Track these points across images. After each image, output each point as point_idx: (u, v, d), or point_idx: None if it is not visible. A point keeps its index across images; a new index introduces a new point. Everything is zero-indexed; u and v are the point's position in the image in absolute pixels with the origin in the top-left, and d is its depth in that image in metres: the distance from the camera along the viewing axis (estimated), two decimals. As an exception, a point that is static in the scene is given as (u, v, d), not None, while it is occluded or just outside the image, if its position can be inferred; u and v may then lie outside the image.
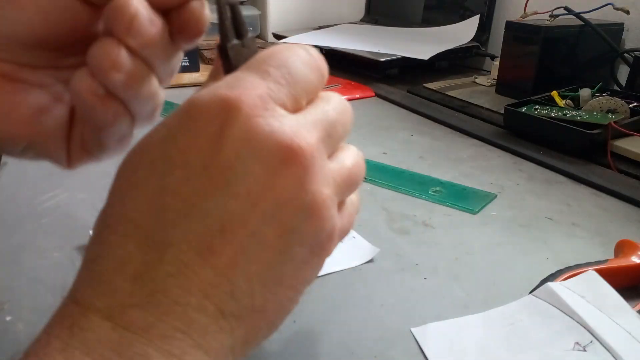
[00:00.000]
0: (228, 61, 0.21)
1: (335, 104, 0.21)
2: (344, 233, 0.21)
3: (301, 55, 0.20)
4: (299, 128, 0.18)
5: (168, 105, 0.68)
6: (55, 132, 0.23)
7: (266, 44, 0.99)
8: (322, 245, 0.19)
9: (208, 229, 0.16)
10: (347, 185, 0.20)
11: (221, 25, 0.21)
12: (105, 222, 0.18)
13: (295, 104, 0.19)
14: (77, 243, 0.36)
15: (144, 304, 0.16)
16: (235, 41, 0.21)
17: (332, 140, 0.20)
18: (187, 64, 0.77)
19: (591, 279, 0.31)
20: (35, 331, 0.28)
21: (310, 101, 0.20)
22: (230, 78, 0.18)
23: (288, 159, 0.17)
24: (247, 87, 0.17)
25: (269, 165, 0.17)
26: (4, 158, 0.35)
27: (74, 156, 0.24)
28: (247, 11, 1.07)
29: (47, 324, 0.17)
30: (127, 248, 0.16)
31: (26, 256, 0.35)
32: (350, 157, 0.21)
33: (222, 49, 0.21)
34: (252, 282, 0.17)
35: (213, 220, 0.16)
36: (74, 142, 0.23)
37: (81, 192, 0.44)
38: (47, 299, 0.31)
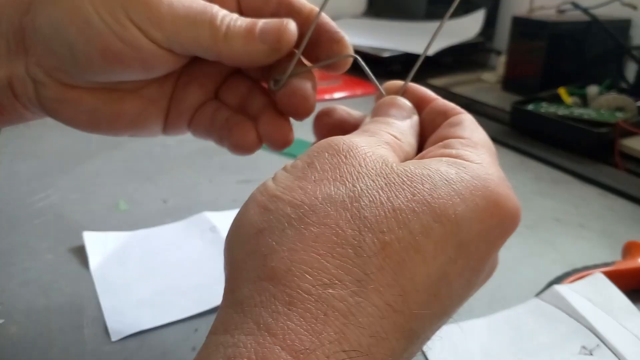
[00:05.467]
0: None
1: None
2: None
3: None
4: None
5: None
6: (152, 126, 0.25)
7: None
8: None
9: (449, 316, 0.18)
10: None
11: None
12: (372, 284, 0.15)
13: None
14: (70, 245, 0.36)
15: None
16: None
17: None
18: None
19: (598, 282, 0.31)
20: (28, 334, 0.28)
21: None
22: (498, 178, 0.19)
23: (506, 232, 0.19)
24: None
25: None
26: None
27: (171, 132, 0.26)
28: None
29: None
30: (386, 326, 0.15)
31: (19, 258, 0.34)
32: None
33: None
34: (433, 329, 0.18)
35: (460, 305, 0.18)
36: (172, 127, 0.26)
37: (74, 192, 0.43)
38: (40, 301, 0.31)
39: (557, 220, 0.41)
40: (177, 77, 0.25)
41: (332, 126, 0.25)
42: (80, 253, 0.35)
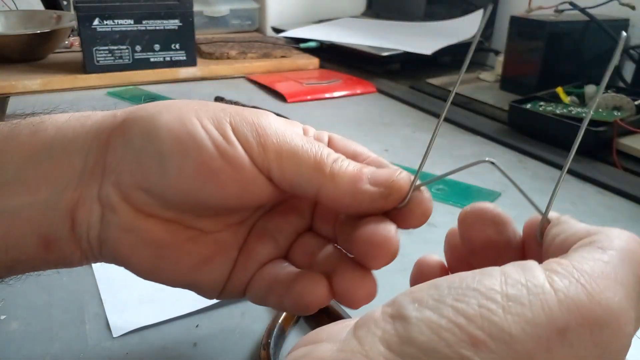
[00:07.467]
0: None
1: None
2: None
3: None
4: None
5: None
6: (214, 281, 0.23)
7: (265, 38, 0.98)
8: None
9: None
10: None
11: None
12: None
13: None
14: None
15: None
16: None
17: None
18: (184, 58, 0.76)
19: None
20: (30, 330, 0.28)
21: None
22: None
23: None
24: None
25: None
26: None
27: (227, 294, 0.24)
28: (245, 4, 1.06)
29: None
30: None
31: (21, 253, 0.34)
32: None
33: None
34: None
35: None
36: (232, 286, 0.23)
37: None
38: (41, 297, 0.31)
39: (555, 219, 0.41)
40: (250, 228, 0.24)
41: (491, 242, 0.19)
42: (81, 250, 0.35)
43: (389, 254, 0.20)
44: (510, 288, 0.13)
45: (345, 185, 0.20)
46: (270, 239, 0.23)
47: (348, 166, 0.20)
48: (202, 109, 0.20)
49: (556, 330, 0.12)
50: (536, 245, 0.18)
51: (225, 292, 0.23)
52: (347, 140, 0.23)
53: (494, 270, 0.14)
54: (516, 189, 0.19)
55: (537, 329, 0.12)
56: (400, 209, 0.20)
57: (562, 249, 0.16)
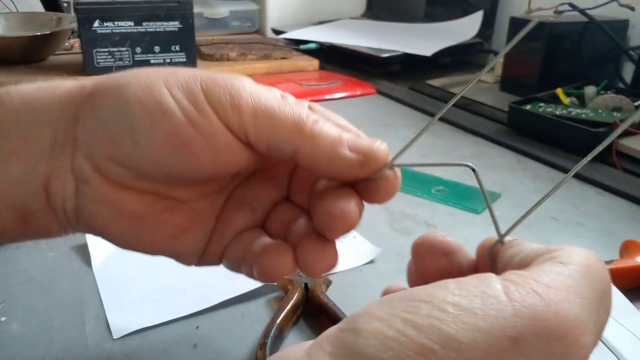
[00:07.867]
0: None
1: None
2: None
3: None
4: None
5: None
6: (192, 249, 0.23)
7: (265, 39, 0.98)
8: None
9: None
10: None
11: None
12: None
13: None
14: (72, 242, 0.36)
15: None
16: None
17: None
18: (185, 59, 0.76)
19: (596, 281, 0.31)
20: (30, 331, 0.28)
21: None
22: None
23: None
24: None
25: None
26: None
27: (205, 261, 0.24)
28: (245, 6, 1.07)
29: None
30: None
31: (21, 256, 0.35)
32: None
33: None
34: None
35: None
36: (209, 254, 0.23)
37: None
38: (42, 299, 0.31)
39: (554, 219, 0.41)
40: (227, 196, 0.24)
41: (444, 271, 0.19)
42: (82, 251, 0.35)
43: (344, 226, 0.20)
44: (463, 299, 0.13)
45: (325, 147, 0.19)
46: (247, 208, 0.23)
47: (329, 129, 0.20)
48: (171, 77, 0.20)
49: (509, 339, 0.12)
50: (487, 268, 0.18)
51: (203, 259, 0.23)
52: (328, 111, 0.23)
53: (448, 283, 0.14)
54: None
55: (489, 337, 0.12)
56: (370, 182, 0.20)
57: (522, 266, 0.16)
